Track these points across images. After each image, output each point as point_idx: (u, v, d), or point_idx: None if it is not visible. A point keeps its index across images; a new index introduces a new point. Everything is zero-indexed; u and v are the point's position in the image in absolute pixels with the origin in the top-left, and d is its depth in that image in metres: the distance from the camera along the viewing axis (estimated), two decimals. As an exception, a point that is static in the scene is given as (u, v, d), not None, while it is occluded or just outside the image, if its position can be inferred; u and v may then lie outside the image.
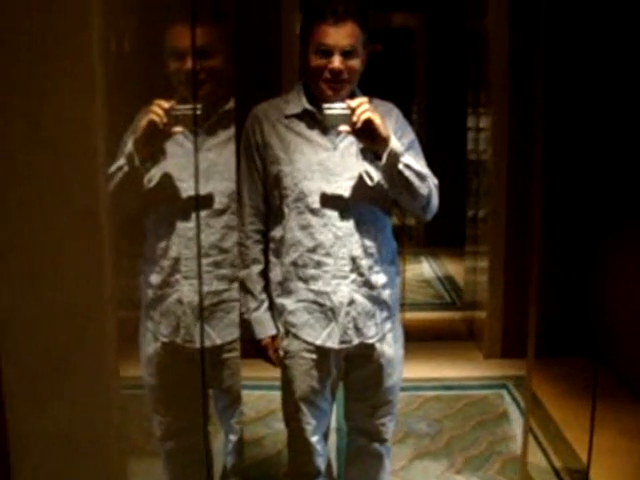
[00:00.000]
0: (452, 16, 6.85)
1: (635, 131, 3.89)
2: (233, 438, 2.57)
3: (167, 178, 2.08)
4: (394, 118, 2.24)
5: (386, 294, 2.27)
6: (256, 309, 2.29)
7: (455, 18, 6.63)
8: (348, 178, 2.17)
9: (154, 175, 2.07)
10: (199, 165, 2.04)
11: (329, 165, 2.17)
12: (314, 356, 2.26)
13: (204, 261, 2.13)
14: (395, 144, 2.06)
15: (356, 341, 2.24)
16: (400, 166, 2.07)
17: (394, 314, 2.34)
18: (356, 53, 2.12)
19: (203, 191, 2.08)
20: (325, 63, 2.10)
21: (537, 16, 3.63)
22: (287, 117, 2.21)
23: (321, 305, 2.22)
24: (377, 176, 2.16)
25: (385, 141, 2.04)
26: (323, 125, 2.15)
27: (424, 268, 7.00)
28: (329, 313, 2.22)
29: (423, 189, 2.14)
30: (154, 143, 1.98)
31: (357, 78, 2.18)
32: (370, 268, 2.22)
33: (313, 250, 2.19)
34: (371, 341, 2.26)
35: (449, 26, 7.00)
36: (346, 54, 2.10)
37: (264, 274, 2.31)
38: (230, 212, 2.17)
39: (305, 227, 2.19)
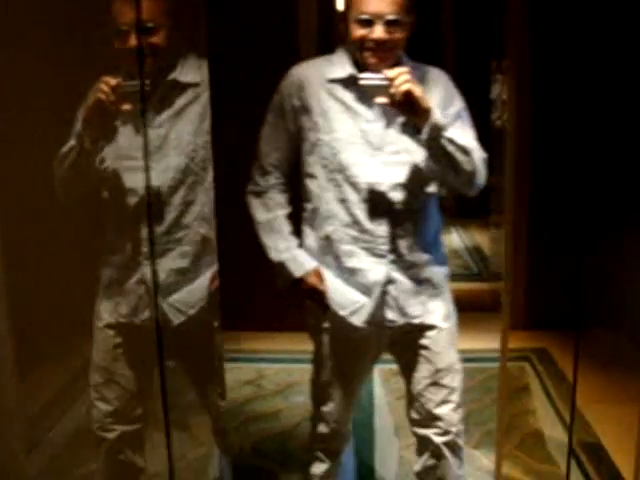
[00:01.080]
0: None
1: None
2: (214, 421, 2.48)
3: (119, 156, 2.04)
4: (442, 86, 2.11)
5: (430, 271, 2.16)
6: (287, 248, 2.19)
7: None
8: (391, 152, 2.06)
9: (106, 154, 2.03)
10: (151, 141, 1.98)
11: (371, 138, 2.06)
12: (347, 333, 2.17)
13: (165, 239, 2.08)
14: (437, 117, 1.94)
15: (401, 321, 2.15)
16: (442, 140, 1.96)
17: (443, 292, 2.22)
18: (400, 21, 1.98)
19: (156, 168, 2.02)
20: (367, 33, 1.98)
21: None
22: (330, 81, 2.09)
23: (355, 283, 2.12)
24: (420, 150, 2.04)
25: (426, 114, 1.92)
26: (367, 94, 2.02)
27: (453, 238, 6.91)
28: (362, 291, 2.12)
29: (467, 164, 2.02)
30: (103, 122, 1.93)
31: (403, 45, 2.05)
32: (410, 247, 2.11)
33: (349, 225, 2.09)
34: (417, 321, 2.16)
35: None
36: (389, 23, 1.96)
37: (290, 218, 2.22)
38: (186, 187, 2.11)
39: (342, 200, 2.09)
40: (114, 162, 2.04)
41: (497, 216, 5.03)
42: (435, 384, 2.20)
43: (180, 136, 2.09)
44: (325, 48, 5.10)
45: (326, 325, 2.21)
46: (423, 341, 2.18)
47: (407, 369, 2.26)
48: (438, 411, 2.21)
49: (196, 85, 2.13)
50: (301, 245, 2.21)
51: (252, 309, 4.51)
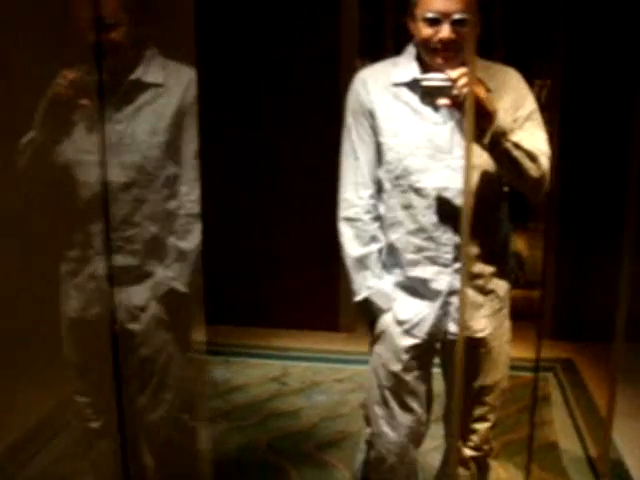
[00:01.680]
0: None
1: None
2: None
3: (75, 151, 2.05)
4: (513, 87, 2.01)
5: (495, 284, 2.07)
6: (376, 284, 2.10)
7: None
8: (458, 156, 1.96)
9: (63, 147, 2.05)
10: (108, 138, 1.99)
11: (437, 141, 1.98)
12: (408, 344, 2.09)
13: (115, 235, 2.09)
14: (502, 121, 1.85)
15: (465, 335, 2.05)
16: (507, 145, 1.87)
17: (505, 306, 2.13)
18: (467, 20, 1.87)
19: (111, 165, 2.02)
20: (434, 33, 1.90)
21: None
22: (396, 85, 2.03)
23: (417, 292, 2.06)
24: (487, 156, 1.94)
25: (490, 117, 1.83)
26: (423, 98, 1.97)
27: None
28: (425, 301, 2.06)
29: (534, 170, 1.92)
30: (60, 115, 1.95)
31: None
32: (477, 256, 2.02)
33: (414, 233, 2.02)
34: (479, 335, 2.06)
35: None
36: (456, 22, 1.88)
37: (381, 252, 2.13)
38: (139, 185, 2.12)
39: (407, 207, 2.02)
40: (70, 155, 2.07)
41: (536, 223, 4.98)
42: (478, 400, 2.14)
43: (136, 134, 2.11)
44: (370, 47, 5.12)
45: (381, 331, 2.13)
46: (476, 356, 2.09)
47: (452, 378, 2.15)
48: (475, 426, 2.16)
49: (158, 85, 2.15)
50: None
51: (282, 307, 4.55)
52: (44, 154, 2.02)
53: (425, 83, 1.84)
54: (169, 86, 2.16)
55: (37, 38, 2.21)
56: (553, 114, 4.12)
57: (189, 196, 2.22)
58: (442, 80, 1.81)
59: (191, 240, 2.23)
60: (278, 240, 4.51)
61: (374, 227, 2.11)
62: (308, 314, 4.53)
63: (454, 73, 1.81)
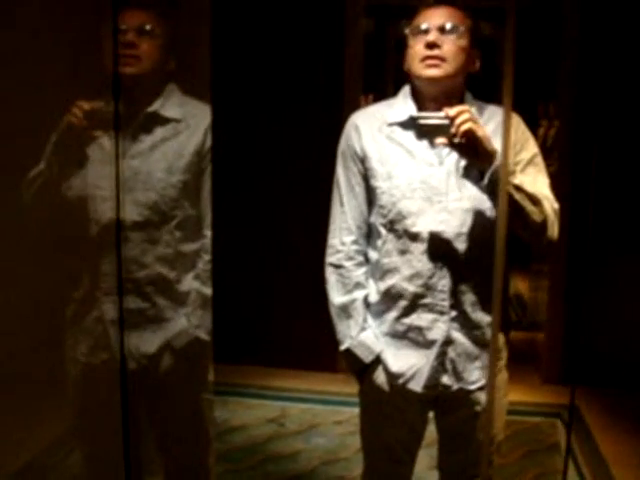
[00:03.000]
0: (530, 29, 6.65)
1: None
2: None
3: (86, 186, 1.98)
4: (514, 129, 1.93)
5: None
6: (359, 333, 2.04)
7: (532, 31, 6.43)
8: (455, 199, 1.91)
9: (74, 181, 1.97)
10: (122, 174, 1.94)
11: (433, 183, 1.92)
12: (399, 395, 2.02)
13: (124, 277, 2.00)
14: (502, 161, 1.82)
15: (455, 387, 1.98)
16: (508, 187, 1.77)
17: (502, 357, 2.06)
18: (456, 32, 1.90)
19: (123, 202, 1.94)
20: (422, 42, 1.91)
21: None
22: (390, 125, 1.99)
23: (412, 341, 1.98)
24: (485, 198, 1.90)
25: (489, 157, 1.78)
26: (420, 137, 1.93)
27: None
28: (420, 352, 1.98)
29: (536, 215, 1.86)
30: (72, 147, 1.89)
31: (462, 69, 1.93)
32: (474, 304, 1.95)
33: (410, 279, 1.95)
34: (473, 387, 1.99)
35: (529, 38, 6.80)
36: (445, 30, 1.89)
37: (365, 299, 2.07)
38: (152, 226, 2.03)
39: (403, 252, 1.95)
40: (80, 190, 1.98)
41: (538, 264, 4.93)
42: (472, 453, 2.05)
43: (152, 171, 2.03)
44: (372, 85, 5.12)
45: (378, 387, 2.06)
46: (470, 410, 2.02)
47: (445, 431, 2.12)
48: None
49: (177, 121, 2.08)
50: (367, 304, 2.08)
51: (280, 346, 4.48)
52: (53, 187, 1.93)
53: (422, 121, 1.79)
54: (189, 123, 2.09)
55: (59, 68, 2.14)
56: (563, 154, 4.12)
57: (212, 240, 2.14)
58: (439, 118, 1.77)
59: (212, 285, 2.15)
60: (278, 279, 4.45)
61: (358, 274, 2.05)
62: (307, 354, 4.45)
63: (452, 111, 1.77)
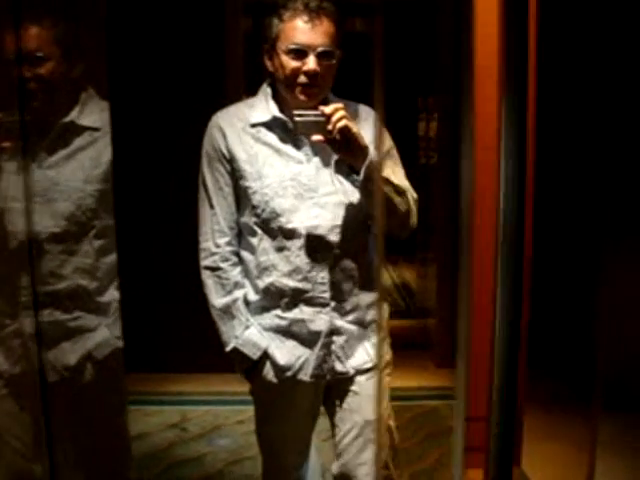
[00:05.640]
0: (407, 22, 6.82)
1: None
2: None
3: (1, 198, 1.93)
4: (372, 124, 2.01)
5: (373, 315, 2.07)
6: (244, 331, 2.04)
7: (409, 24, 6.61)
8: (324, 194, 1.97)
9: None
10: (38, 184, 1.89)
11: (303, 180, 1.96)
12: (290, 387, 2.06)
13: (42, 289, 1.97)
14: (374, 156, 1.86)
15: (343, 370, 2.05)
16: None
17: (384, 336, 2.12)
18: (332, 54, 1.91)
19: (41, 213, 1.92)
20: (299, 65, 1.89)
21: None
22: (253, 125, 2.00)
23: (296, 334, 2.02)
24: (355, 190, 1.96)
25: (363, 152, 1.86)
26: (295, 134, 1.95)
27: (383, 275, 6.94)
28: (305, 343, 2.02)
29: (402, 205, 1.96)
30: None
31: (332, 82, 1.97)
32: (351, 291, 2.02)
33: (289, 275, 1.98)
34: (364, 367, 2.06)
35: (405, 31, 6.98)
36: (322, 55, 1.89)
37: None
38: (71, 236, 2.00)
39: (280, 249, 1.98)
40: None
41: (423, 253, 5.06)
42: (361, 435, 2.08)
43: (69, 181, 1.99)
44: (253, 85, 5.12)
45: (269, 382, 2.08)
46: (353, 387, 2.08)
47: (335, 414, 2.14)
48: (361, 471, 2.09)
49: (95, 129, 2.04)
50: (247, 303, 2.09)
51: (177, 350, 4.41)
52: None
53: (299, 119, 1.84)
54: (107, 131, 2.04)
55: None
56: (442, 147, 4.26)
57: None
58: (316, 116, 1.83)
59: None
60: (168, 283, 4.37)
61: (235, 274, 2.06)
62: (202, 356, 4.39)
63: (328, 109, 1.83)
